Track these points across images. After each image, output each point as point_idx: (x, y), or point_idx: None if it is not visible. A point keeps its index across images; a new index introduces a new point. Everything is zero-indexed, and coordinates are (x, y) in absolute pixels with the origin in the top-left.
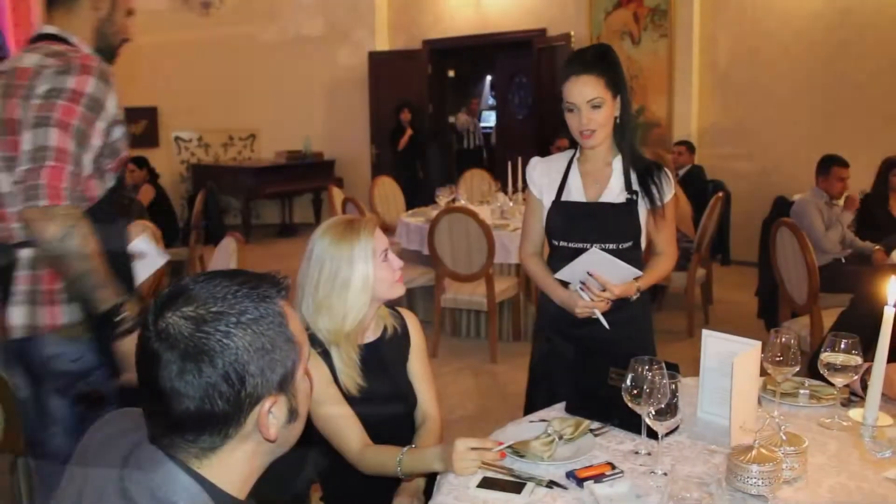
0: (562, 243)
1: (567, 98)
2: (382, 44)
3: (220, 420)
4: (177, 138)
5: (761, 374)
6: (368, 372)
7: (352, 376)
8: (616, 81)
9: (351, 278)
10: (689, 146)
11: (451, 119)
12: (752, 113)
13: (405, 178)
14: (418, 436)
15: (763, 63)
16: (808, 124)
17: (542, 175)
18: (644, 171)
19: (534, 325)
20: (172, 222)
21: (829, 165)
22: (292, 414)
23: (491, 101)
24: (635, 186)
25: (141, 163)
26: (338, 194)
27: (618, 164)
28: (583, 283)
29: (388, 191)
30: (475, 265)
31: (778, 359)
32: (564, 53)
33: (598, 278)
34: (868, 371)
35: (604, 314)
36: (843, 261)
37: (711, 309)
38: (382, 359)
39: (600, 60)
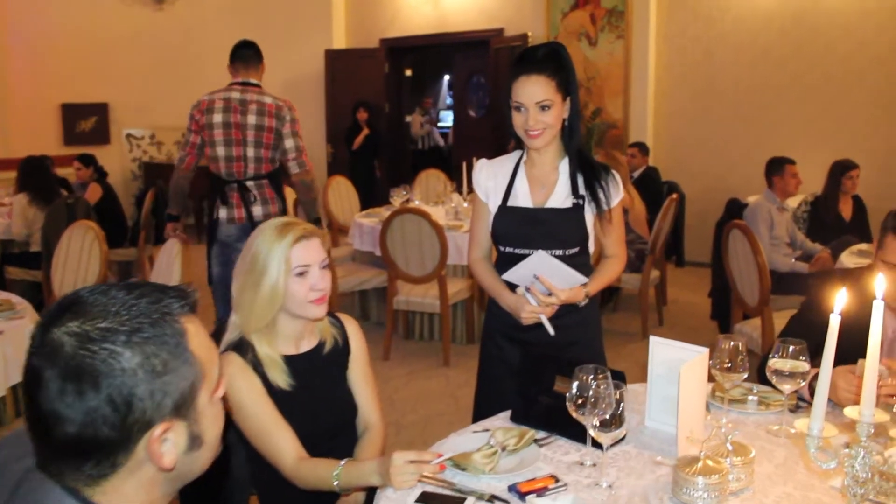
0: (508, 249)
1: (515, 97)
2: (339, 42)
3: (105, 447)
4: (128, 136)
5: (710, 380)
6: (304, 382)
7: (277, 372)
8: (567, 83)
9: (261, 280)
10: (642, 147)
11: (408, 118)
12: (706, 115)
13: (361, 179)
14: (360, 446)
15: (718, 65)
16: (762, 126)
17: (489, 178)
18: (591, 175)
19: (482, 329)
20: (121, 222)
21: (782, 164)
22: (194, 441)
23: (449, 101)
24: (582, 191)
25: (88, 161)
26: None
27: (564, 167)
28: (528, 287)
29: (343, 191)
30: (428, 267)
31: (726, 366)
32: None
33: (544, 282)
34: (816, 377)
35: (551, 318)
36: (794, 262)
37: (666, 310)
38: (319, 369)
39: (552, 60)
